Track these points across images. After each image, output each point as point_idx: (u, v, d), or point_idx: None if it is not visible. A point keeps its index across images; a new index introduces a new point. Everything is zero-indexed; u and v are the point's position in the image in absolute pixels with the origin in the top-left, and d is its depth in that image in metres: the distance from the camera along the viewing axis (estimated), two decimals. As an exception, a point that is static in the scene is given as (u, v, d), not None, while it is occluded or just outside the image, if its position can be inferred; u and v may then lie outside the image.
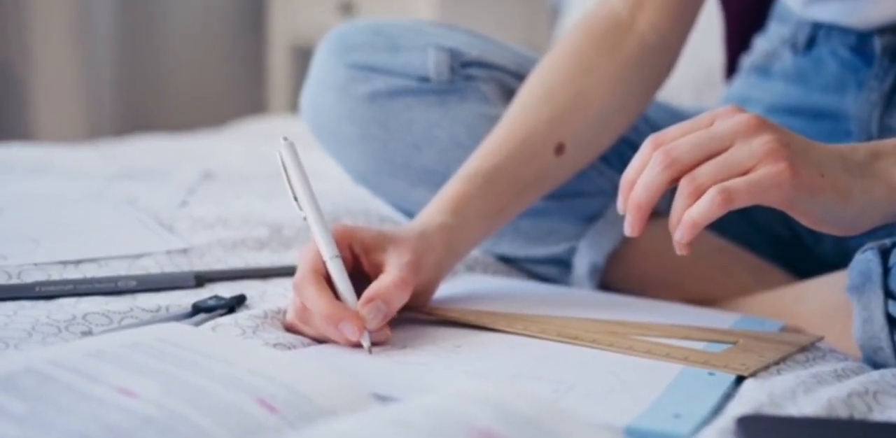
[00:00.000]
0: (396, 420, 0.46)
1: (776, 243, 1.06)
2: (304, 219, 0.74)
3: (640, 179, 0.70)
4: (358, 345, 0.70)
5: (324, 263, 0.72)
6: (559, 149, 0.89)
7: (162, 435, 0.49)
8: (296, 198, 0.74)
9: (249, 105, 2.94)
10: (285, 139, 0.74)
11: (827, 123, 1.04)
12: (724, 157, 0.68)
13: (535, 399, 0.50)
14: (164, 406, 0.51)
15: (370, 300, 0.71)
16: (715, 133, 0.69)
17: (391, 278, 0.72)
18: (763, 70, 1.12)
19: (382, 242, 0.76)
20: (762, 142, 0.68)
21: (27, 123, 2.44)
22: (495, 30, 2.58)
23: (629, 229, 0.71)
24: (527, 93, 0.91)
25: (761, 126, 0.69)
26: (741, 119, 0.69)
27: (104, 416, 0.50)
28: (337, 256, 0.72)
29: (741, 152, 0.68)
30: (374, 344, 0.70)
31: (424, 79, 0.97)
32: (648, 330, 0.78)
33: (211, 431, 0.50)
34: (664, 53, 0.95)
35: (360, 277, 0.75)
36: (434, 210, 0.82)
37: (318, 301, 0.70)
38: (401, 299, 0.72)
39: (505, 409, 0.49)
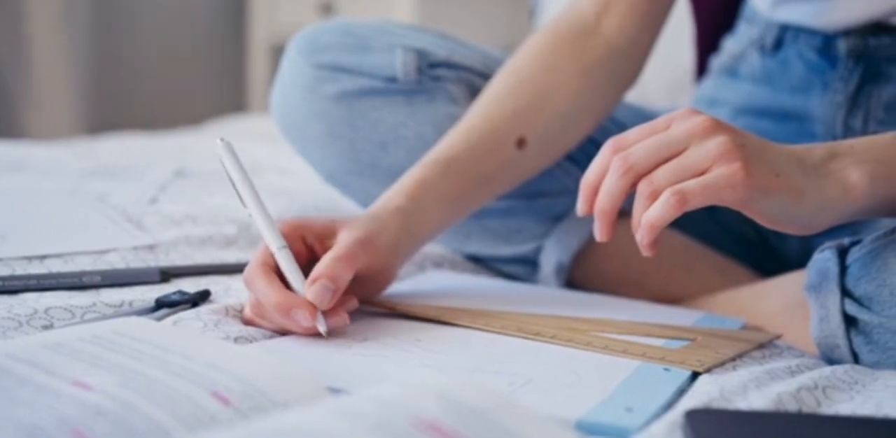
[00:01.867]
0: (343, 411, 0.47)
1: (742, 242, 1.07)
2: (250, 215, 0.74)
3: (602, 186, 0.72)
4: (317, 333, 0.71)
5: (273, 256, 0.73)
6: (521, 143, 0.90)
7: (114, 426, 0.49)
8: (240, 196, 0.74)
9: (229, 104, 2.94)
10: (221, 140, 0.75)
11: (793, 125, 1.05)
12: (679, 160, 0.70)
13: (485, 392, 0.51)
14: (118, 397, 0.52)
15: (314, 280, 0.71)
16: (671, 136, 0.71)
17: (332, 254, 0.73)
18: (731, 71, 1.13)
19: (334, 228, 0.77)
20: (716, 144, 0.69)
21: (12, 122, 2.44)
22: (475, 30, 2.59)
23: (598, 235, 0.73)
24: (492, 89, 0.92)
25: (716, 127, 0.70)
26: (696, 121, 0.71)
27: (58, 408, 0.50)
28: (284, 247, 0.73)
29: (696, 154, 0.69)
30: (331, 330, 0.71)
31: (392, 80, 0.97)
32: (609, 327, 0.79)
33: (163, 422, 0.50)
34: (631, 57, 0.96)
35: None
36: (391, 195, 0.83)
37: (267, 291, 0.71)
38: (345, 274, 0.72)
39: (453, 401, 0.49)
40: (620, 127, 1.01)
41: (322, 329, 0.70)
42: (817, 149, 0.74)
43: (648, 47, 0.98)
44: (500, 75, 0.94)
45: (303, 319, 0.70)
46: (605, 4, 0.95)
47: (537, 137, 0.91)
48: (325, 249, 0.76)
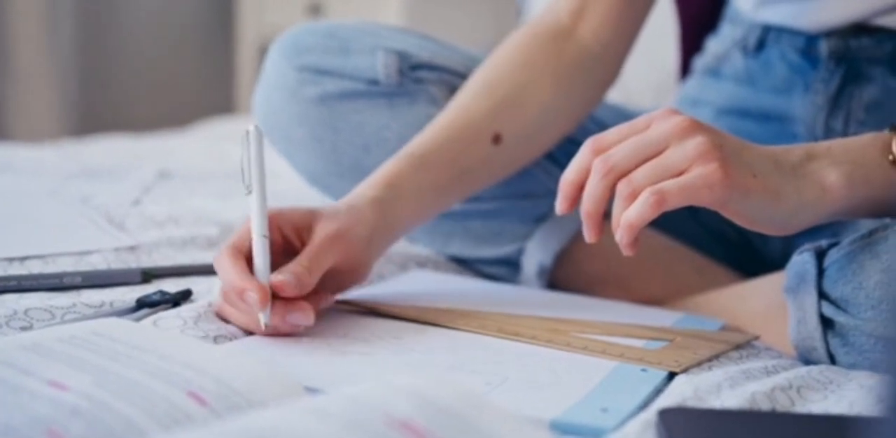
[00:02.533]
0: (316, 410, 0.47)
1: (725, 243, 1.07)
2: (249, 193, 0.73)
3: (585, 189, 0.73)
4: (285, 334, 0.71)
5: (248, 243, 0.73)
6: (496, 139, 0.90)
7: (89, 426, 0.50)
8: (245, 181, 0.74)
9: (217, 105, 2.94)
10: (255, 127, 0.74)
11: (775, 125, 1.05)
12: (658, 160, 0.70)
13: (458, 391, 0.51)
14: (94, 397, 0.52)
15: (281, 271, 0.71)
16: (650, 137, 0.71)
17: (304, 253, 0.73)
18: (714, 71, 1.13)
19: (311, 220, 0.76)
20: (695, 144, 0.70)
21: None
22: (463, 30, 2.60)
23: (588, 236, 0.75)
24: (469, 86, 0.93)
25: (694, 128, 0.71)
26: (675, 122, 0.71)
27: (33, 408, 0.50)
28: (265, 236, 0.72)
29: (675, 154, 0.70)
30: (294, 328, 0.71)
31: (374, 82, 0.98)
32: (589, 328, 0.79)
33: (138, 422, 0.51)
34: (605, 61, 0.97)
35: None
36: (367, 185, 0.83)
37: (228, 271, 0.71)
38: (314, 272, 0.72)
39: (426, 400, 0.50)
40: (601, 127, 1.02)
41: (263, 319, 0.69)
42: (795, 150, 0.74)
43: (624, 52, 0.99)
44: (476, 74, 0.94)
45: (251, 301, 0.69)
46: (580, 9, 0.96)
47: (513, 134, 0.91)
48: (302, 241, 0.76)
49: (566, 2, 0.97)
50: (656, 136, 0.71)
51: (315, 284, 0.73)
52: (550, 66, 0.94)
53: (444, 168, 0.87)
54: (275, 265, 0.72)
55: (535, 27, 0.97)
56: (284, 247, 0.76)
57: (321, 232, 0.75)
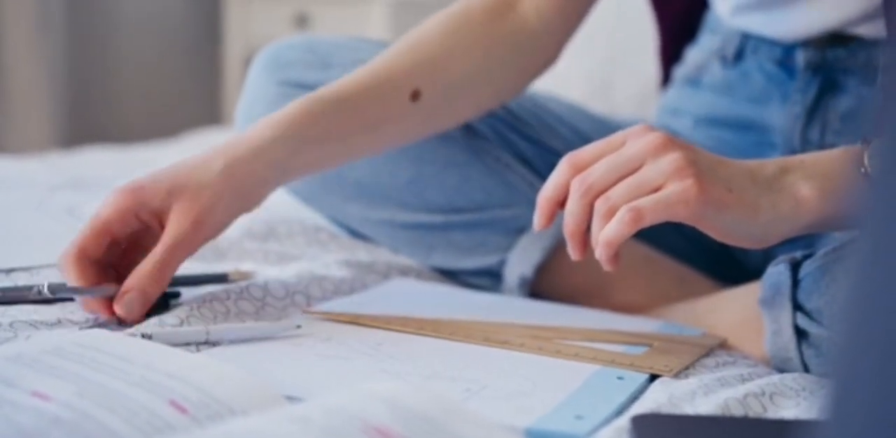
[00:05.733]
0: (294, 417, 0.48)
1: (707, 254, 1.08)
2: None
3: (566, 209, 0.75)
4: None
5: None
6: (415, 96, 0.90)
7: (70, 435, 0.50)
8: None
9: (204, 116, 2.95)
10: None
11: (753, 135, 1.07)
12: (635, 177, 0.72)
13: (435, 398, 0.52)
14: (76, 407, 0.53)
15: (124, 292, 0.73)
16: (626, 155, 0.73)
17: (147, 267, 0.74)
18: (694, 81, 1.15)
19: (170, 202, 0.76)
20: (670, 160, 0.71)
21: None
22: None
23: (572, 254, 0.76)
24: (395, 44, 0.93)
25: (669, 144, 0.72)
26: (650, 139, 0.73)
27: (15, 418, 0.51)
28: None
29: (651, 171, 0.71)
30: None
31: None
32: (570, 334, 0.80)
33: (119, 431, 0.51)
34: (543, 40, 0.97)
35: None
36: (267, 125, 0.82)
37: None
38: (158, 286, 0.75)
39: (403, 407, 0.51)
40: (585, 139, 1.03)
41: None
42: (769, 164, 0.76)
43: (564, 34, 0.99)
44: (405, 35, 0.94)
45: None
46: None
47: (432, 93, 0.91)
48: (162, 225, 0.77)
49: None
50: (632, 154, 0.73)
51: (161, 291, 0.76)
52: (483, 36, 0.94)
53: (356, 117, 0.86)
54: (133, 253, 0.77)
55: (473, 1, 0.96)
56: (145, 230, 0.78)
57: (176, 227, 0.75)
